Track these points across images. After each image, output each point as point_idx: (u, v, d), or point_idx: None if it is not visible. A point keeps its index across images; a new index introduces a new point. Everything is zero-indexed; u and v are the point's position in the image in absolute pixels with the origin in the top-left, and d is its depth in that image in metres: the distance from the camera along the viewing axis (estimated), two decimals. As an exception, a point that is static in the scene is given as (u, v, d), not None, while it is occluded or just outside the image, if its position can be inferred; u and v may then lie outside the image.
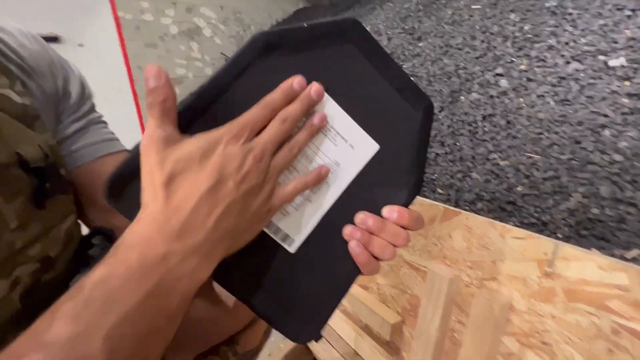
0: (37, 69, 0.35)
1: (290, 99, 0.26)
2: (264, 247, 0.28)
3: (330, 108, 0.28)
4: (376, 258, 0.29)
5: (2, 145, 0.27)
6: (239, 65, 0.25)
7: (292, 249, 0.29)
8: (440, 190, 0.95)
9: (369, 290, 0.75)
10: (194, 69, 2.87)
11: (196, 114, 0.24)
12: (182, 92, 2.86)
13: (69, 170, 0.38)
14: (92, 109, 0.42)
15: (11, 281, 0.27)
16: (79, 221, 0.40)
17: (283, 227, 0.29)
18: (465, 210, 0.89)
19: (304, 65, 0.26)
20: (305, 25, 0.26)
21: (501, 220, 0.85)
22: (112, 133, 0.43)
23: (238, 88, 0.25)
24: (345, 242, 0.29)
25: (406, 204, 0.30)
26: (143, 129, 2.90)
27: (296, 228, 0.29)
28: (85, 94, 0.41)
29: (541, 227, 0.77)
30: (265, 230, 0.28)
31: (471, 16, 1.41)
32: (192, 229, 0.22)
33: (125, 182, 0.24)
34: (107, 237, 0.40)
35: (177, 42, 2.76)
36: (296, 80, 0.26)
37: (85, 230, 0.42)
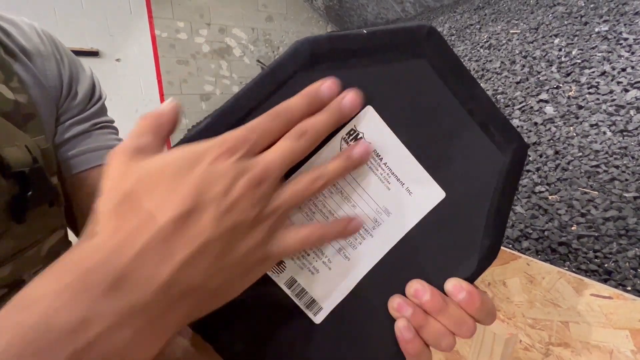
0: (40, 63, 0.32)
1: (315, 108, 0.19)
2: (280, 312, 0.21)
3: (387, 140, 0.21)
4: (428, 346, 0.21)
5: None
6: (276, 78, 0.20)
7: (317, 318, 0.22)
8: (477, 224, 0.86)
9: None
10: (221, 86, 2.94)
11: (219, 131, 0.19)
12: (209, 108, 2.92)
13: (66, 178, 0.34)
14: (101, 112, 0.37)
15: None
16: (71, 239, 0.35)
17: (309, 288, 0.22)
18: (507, 248, 0.78)
19: (357, 83, 0.20)
20: (364, 31, 0.20)
21: (552, 264, 0.74)
22: (121, 140, 0.39)
23: (273, 104, 0.19)
24: (390, 318, 0.22)
25: (473, 276, 0.22)
26: (169, 143, 2.97)
27: (326, 291, 0.22)
28: (94, 96, 0.36)
29: (604, 275, 0.66)
30: (285, 290, 0.21)
31: (509, 40, 1.34)
32: (135, 280, 0.14)
33: None
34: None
35: (207, 60, 2.85)
36: (326, 84, 0.19)
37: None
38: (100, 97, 0.37)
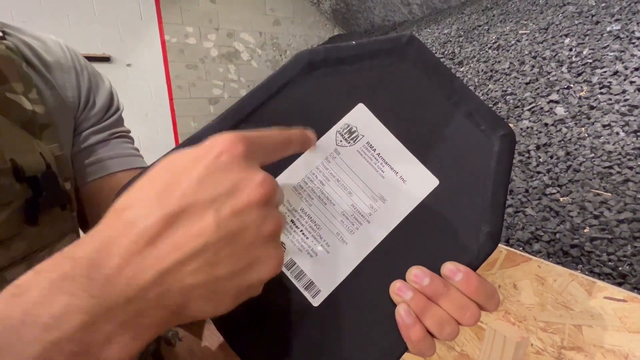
0: (59, 76, 0.33)
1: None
2: (278, 294, 0.22)
3: (378, 133, 0.23)
4: (431, 335, 0.20)
5: None
6: (277, 82, 0.23)
7: (315, 301, 0.22)
8: (487, 226, 0.84)
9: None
10: (229, 90, 2.97)
11: (229, 125, 0.22)
12: (217, 112, 2.95)
13: (83, 185, 0.35)
14: (118, 122, 0.38)
15: None
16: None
17: (307, 270, 0.22)
18: (518, 250, 0.77)
19: (349, 85, 0.23)
20: (353, 42, 0.23)
21: (564, 267, 0.73)
22: (136, 149, 0.39)
23: (275, 105, 0.23)
24: (391, 306, 0.22)
25: (475, 263, 0.22)
26: (176, 143, 3.02)
27: (324, 274, 0.22)
28: (112, 107, 0.38)
29: (618, 278, 0.64)
30: (284, 271, 0.22)
31: (518, 41, 1.33)
32: (116, 280, 0.14)
33: None
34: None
35: (216, 65, 2.89)
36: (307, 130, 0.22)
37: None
38: (118, 108, 0.38)
